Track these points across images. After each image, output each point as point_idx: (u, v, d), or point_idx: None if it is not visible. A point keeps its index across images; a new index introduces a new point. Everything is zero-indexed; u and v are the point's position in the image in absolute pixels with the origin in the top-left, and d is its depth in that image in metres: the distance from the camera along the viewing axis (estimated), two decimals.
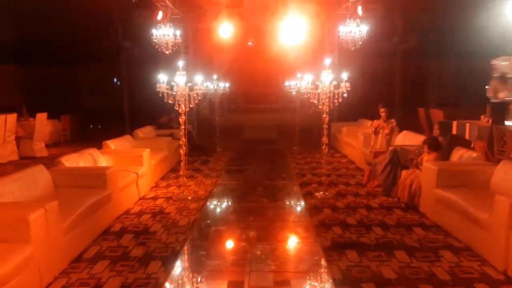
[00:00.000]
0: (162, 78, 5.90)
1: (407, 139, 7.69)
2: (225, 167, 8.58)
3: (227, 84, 11.09)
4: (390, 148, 6.33)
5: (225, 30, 11.90)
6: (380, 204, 5.87)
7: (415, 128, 9.93)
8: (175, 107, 6.16)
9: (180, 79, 5.95)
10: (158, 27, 9.64)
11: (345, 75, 5.91)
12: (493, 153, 7.55)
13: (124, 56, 13.94)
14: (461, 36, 17.13)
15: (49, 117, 12.13)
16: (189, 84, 6.09)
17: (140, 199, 6.27)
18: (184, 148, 6.41)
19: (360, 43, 9.69)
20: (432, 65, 19.54)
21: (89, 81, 17.59)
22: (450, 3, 15.12)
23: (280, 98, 18.43)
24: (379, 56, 14.33)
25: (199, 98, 6.34)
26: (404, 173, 5.87)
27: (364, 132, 8.73)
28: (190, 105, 6.27)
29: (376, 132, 6.83)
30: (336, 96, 5.95)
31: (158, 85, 5.91)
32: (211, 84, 10.81)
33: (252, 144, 11.89)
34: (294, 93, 10.84)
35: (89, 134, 13.69)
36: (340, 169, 8.25)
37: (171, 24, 9.75)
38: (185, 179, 6.43)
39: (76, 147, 8.92)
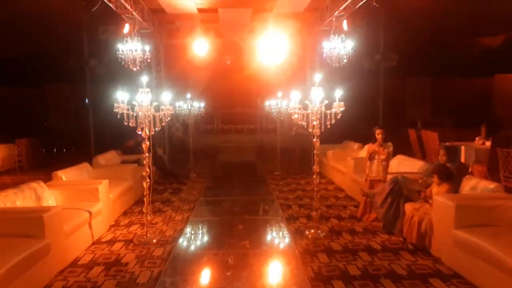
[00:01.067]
0: (121, 96, 4.85)
1: (402, 165, 6.86)
2: (199, 198, 7.46)
3: (202, 104, 10.10)
4: (390, 177, 5.42)
5: (200, 46, 11.00)
6: (383, 244, 4.90)
7: (400, 150, 9.15)
8: (137, 131, 5.09)
9: (142, 97, 4.91)
10: (124, 41, 8.60)
11: (338, 93, 5.01)
12: (496, 179, 6.77)
13: (90, 75, 12.75)
14: (439, 55, 16.93)
15: (3, 141, 10.79)
16: (155, 104, 5.05)
17: (93, 243, 5.09)
18: (148, 180, 5.30)
19: (345, 60, 8.94)
20: (410, 84, 19.30)
21: (56, 102, 16.26)
22: (428, 22, 14.79)
23: (259, 118, 17.55)
24: (361, 74, 13.69)
25: (167, 119, 5.28)
26: (409, 207, 4.95)
27: (354, 157, 7.86)
28: (156, 128, 5.21)
29: (371, 158, 5.94)
30: (328, 117, 5.03)
31: (116, 104, 4.85)
32: (184, 104, 9.78)
33: (230, 169, 10.85)
34: (274, 113, 9.93)
35: (51, 160, 12.31)
36: (329, 199, 7.29)
37: (139, 38, 8.74)
38: (149, 217, 5.28)
39: (34, 174, 7.67)
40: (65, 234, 4.42)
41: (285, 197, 7.45)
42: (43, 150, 14.49)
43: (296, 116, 5.23)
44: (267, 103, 10.35)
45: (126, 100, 4.93)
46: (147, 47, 8.74)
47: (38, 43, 12.93)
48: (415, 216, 4.75)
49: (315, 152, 5.47)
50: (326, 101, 5.07)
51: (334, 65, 9.00)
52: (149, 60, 8.80)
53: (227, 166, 11.56)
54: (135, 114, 4.91)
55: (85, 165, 6.93)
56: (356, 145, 9.58)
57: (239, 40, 11.23)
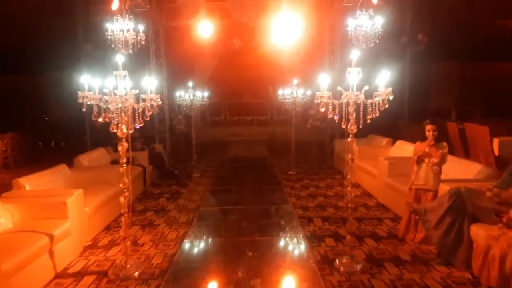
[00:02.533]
0: (85, 81, 3.53)
1: (451, 168, 5.40)
2: (200, 207, 6.15)
3: (206, 94, 8.76)
4: (450, 189, 4.02)
5: (205, 29, 9.61)
6: (444, 283, 3.55)
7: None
8: (110, 129, 3.77)
9: (115, 83, 3.58)
10: (114, 20, 7.26)
11: (383, 76, 3.62)
12: None
13: (85, 61, 11.47)
14: (467, 38, 15.23)
15: None
16: (134, 92, 3.71)
17: (56, 277, 3.82)
18: (127, 194, 3.98)
19: (375, 40, 7.48)
20: (435, 70, 17.59)
21: (51, 91, 15.04)
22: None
23: (270, 109, 16.15)
24: (384, 59, 12.17)
25: (153, 112, 3.93)
26: (481, 233, 3.57)
27: (388, 157, 6.45)
28: (136, 125, 3.88)
29: (419, 161, 4.56)
30: (371, 109, 3.64)
31: (81, 93, 3.54)
32: (185, 94, 8.43)
33: (238, 167, 9.50)
34: (289, 103, 8.53)
35: (42, 156, 11.12)
36: (357, 208, 5.91)
37: (131, 17, 7.38)
38: (128, 243, 3.98)
39: (22, 172, 6.47)
40: (6, 274, 3.15)
41: (303, 205, 6.10)
42: (40, 143, 13.39)
43: (323, 109, 3.83)
44: (280, 92, 8.95)
45: (97, 88, 3.62)
46: (141, 27, 7.38)
47: (27, 28, 11.67)
48: (494, 248, 3.36)
49: (350, 157, 4.07)
50: (366, 87, 3.68)
51: (361, 47, 7.53)
52: (143, 42, 7.43)
53: (235, 163, 10.21)
54: (109, 107, 3.58)
55: (62, 167, 5.66)
56: (384, 141, 8.16)
57: (248, 21, 9.81)
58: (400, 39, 11.58)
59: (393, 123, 11.76)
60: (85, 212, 4.68)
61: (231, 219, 5.45)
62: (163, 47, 10.03)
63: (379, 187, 6.27)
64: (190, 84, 8.41)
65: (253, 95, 15.93)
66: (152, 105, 3.84)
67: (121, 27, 7.26)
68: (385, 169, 5.98)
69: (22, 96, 13.46)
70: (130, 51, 7.34)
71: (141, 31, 7.38)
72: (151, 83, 3.88)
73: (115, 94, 3.56)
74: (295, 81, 8.49)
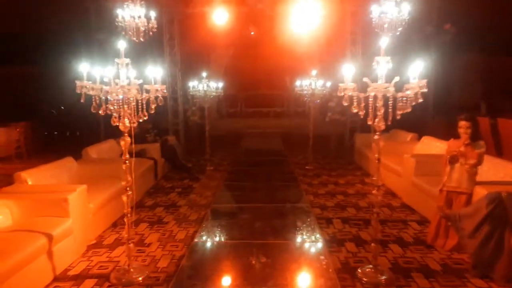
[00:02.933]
0: (83, 69, 3.21)
1: (485, 168, 4.91)
2: (212, 203, 5.82)
3: (220, 85, 8.39)
4: (489, 194, 3.58)
5: (220, 16, 9.23)
6: None
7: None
8: (112, 122, 3.46)
9: (116, 71, 3.25)
10: (124, 6, 6.95)
11: (418, 66, 3.19)
12: None
13: (99, 49, 11.23)
14: (493, 31, 14.40)
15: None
16: (137, 81, 3.37)
17: (55, 279, 3.56)
18: (130, 193, 3.68)
19: (400, 28, 6.97)
20: (458, 63, 16.77)
21: (66, 81, 14.94)
22: None
23: (287, 101, 15.72)
24: (407, 50, 11.54)
25: (159, 103, 3.59)
26: None
27: (414, 154, 5.99)
28: (144, 117, 3.56)
29: (453, 161, 4.11)
30: (402, 102, 3.22)
31: (78, 83, 3.22)
32: (199, 85, 8.08)
33: (253, 161, 9.16)
34: (307, 95, 8.08)
35: (58, 145, 10.99)
36: (381, 209, 5.48)
37: (142, 2, 7.04)
38: (132, 245, 3.68)
39: (35, 162, 6.32)
40: None
41: (322, 204, 5.71)
42: (55, 133, 13.32)
43: (346, 103, 3.42)
44: (298, 83, 8.51)
45: (98, 78, 3.30)
46: (153, 13, 7.05)
47: (38, 16, 11.48)
48: None
49: (376, 157, 3.67)
50: (397, 78, 3.25)
51: (386, 35, 7.03)
52: (155, 30, 7.10)
53: (250, 157, 9.88)
54: (109, 98, 3.25)
55: (68, 160, 5.41)
56: (409, 136, 7.66)
57: (265, 8, 9.35)
58: (425, 28, 10.93)
59: (417, 118, 11.22)
60: (89, 209, 4.41)
61: (243, 218, 5.10)
62: (177, 36, 9.68)
63: (404, 187, 5.82)
64: (204, 74, 8.04)
65: (269, 87, 15.52)
66: (157, 97, 3.49)
67: (132, 14, 6.96)
68: (411, 168, 5.52)
69: (38, 85, 13.37)
70: (142, 39, 7.04)
71: (152, 18, 7.06)
72: (156, 72, 3.52)
73: (116, 84, 3.23)
74: (314, 72, 8.03)
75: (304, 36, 9.59)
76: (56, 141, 12.11)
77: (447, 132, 4.46)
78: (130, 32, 6.96)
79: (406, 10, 6.85)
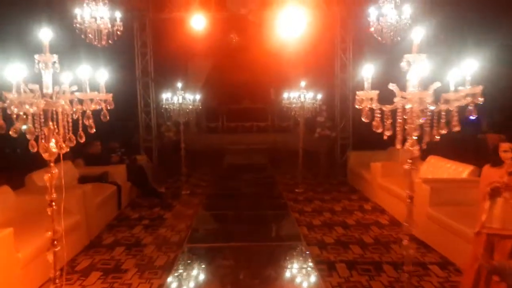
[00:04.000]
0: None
1: None
2: (186, 242, 4.68)
3: (198, 97, 7.36)
4: None
5: (198, 22, 8.27)
6: None
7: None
8: (30, 147, 2.38)
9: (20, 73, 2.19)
10: (84, 5, 5.89)
11: (470, 68, 2.25)
12: None
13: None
14: None
15: None
16: (70, 89, 2.31)
17: None
18: (58, 249, 2.59)
19: (401, 32, 6.13)
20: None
21: None
22: None
23: (270, 115, 14.78)
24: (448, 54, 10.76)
25: (104, 119, 2.53)
26: None
27: (428, 179, 5.05)
28: (80, 139, 2.50)
29: (494, 194, 3.20)
30: (443, 118, 2.27)
31: None
32: (174, 97, 7.03)
33: (236, 182, 8.11)
34: (295, 109, 7.13)
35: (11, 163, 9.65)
36: (389, 245, 4.51)
37: (105, 2, 6.00)
38: None
39: None
40: None
41: (319, 240, 4.69)
42: (18, 150, 11.95)
43: (366, 119, 2.44)
44: (285, 95, 7.57)
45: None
46: (118, 14, 6.01)
47: None
48: None
49: (409, 195, 2.69)
50: (437, 84, 2.30)
51: (384, 41, 6.19)
52: (119, 33, 6.05)
53: (232, 177, 8.83)
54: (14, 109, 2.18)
55: (3, 191, 4.26)
56: (412, 153, 6.76)
57: (247, 14, 8.45)
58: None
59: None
60: (17, 259, 3.27)
61: (224, 266, 3.99)
62: (150, 43, 8.65)
63: (417, 218, 4.85)
64: (179, 85, 7.01)
65: (252, 100, 14.58)
66: (98, 111, 2.44)
67: (93, 14, 5.90)
68: (425, 196, 4.59)
69: None
70: (104, 43, 5.98)
71: (118, 19, 6.01)
72: (99, 75, 2.48)
73: (31, 91, 2.17)
74: (302, 83, 7.11)
75: (290, 45, 8.70)
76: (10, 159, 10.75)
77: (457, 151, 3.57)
78: (90, 35, 5.90)
79: (407, 12, 6.04)
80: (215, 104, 14.35)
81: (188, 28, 8.38)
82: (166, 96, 6.99)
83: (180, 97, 7.01)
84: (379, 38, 6.19)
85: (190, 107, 7.23)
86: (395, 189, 5.53)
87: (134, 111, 8.65)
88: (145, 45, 8.60)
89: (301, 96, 7.10)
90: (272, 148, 11.97)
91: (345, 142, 8.75)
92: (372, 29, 6.16)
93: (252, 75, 12.01)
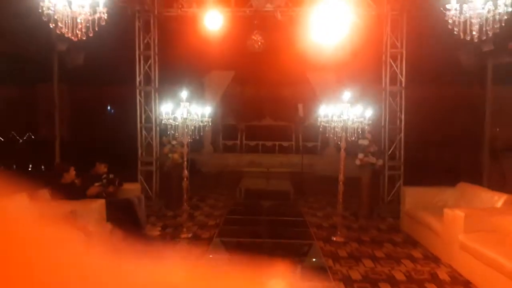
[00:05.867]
0: None
1: None
2: None
3: (208, 111, 5.61)
4: None
5: (214, 21, 6.67)
6: None
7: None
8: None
9: None
10: None
11: None
12: None
13: (59, 65, 8.58)
14: None
15: None
16: None
17: None
18: None
19: (497, 26, 4.26)
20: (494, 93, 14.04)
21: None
22: None
23: (295, 133, 12.96)
24: (458, 73, 8.78)
25: None
26: None
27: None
28: None
29: None
30: None
31: None
32: (177, 111, 5.30)
33: (253, 222, 6.27)
34: (337, 128, 5.28)
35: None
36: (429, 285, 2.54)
37: None
38: None
39: None
40: None
41: None
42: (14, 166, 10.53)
43: None
44: (320, 111, 5.73)
45: None
46: (101, 1, 4.36)
47: None
48: None
49: None
50: None
51: (469, 37, 4.31)
52: (103, 23, 4.40)
53: (248, 213, 6.99)
54: None
55: None
56: (502, 198, 4.76)
57: (274, 11, 6.75)
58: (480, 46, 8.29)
59: (470, 163, 8.42)
60: None
61: None
62: (155, 45, 7.02)
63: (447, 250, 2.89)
64: (184, 95, 5.29)
65: (275, 116, 12.84)
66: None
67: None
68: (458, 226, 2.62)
69: None
70: (79, 36, 4.34)
71: (101, 6, 4.37)
72: None
73: None
74: (346, 96, 5.26)
75: (326, 51, 6.93)
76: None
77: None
78: (60, 24, 4.28)
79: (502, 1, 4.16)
80: (233, 120, 12.70)
81: (202, 28, 6.77)
82: (165, 109, 5.28)
83: (184, 111, 5.28)
84: (461, 34, 4.33)
85: (199, 123, 5.49)
86: (494, 257, 3.58)
87: (132, 126, 6.99)
88: (148, 47, 6.98)
89: (343, 112, 5.25)
90: (298, 173, 10.10)
91: (395, 173, 6.82)
92: (450, 21, 4.32)
93: (277, 87, 10.30)
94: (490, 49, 7.89)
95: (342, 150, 5.49)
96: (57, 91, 8.38)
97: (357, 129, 5.24)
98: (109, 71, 8.69)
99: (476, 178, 7.13)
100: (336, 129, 5.26)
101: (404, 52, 6.66)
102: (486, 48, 7.91)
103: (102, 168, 5.54)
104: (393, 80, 6.77)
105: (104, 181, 5.44)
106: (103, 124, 11.11)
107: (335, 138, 5.46)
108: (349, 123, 5.21)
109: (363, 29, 6.64)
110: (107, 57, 8.50)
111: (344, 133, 5.30)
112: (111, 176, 5.59)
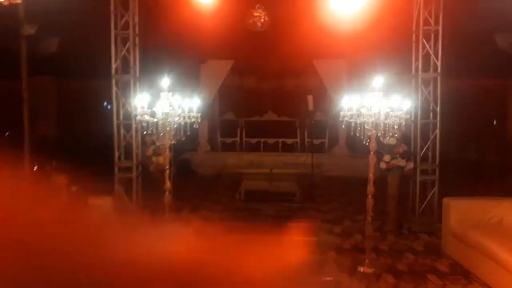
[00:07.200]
0: None
1: None
2: None
3: (197, 105, 4.30)
4: None
5: None
6: None
7: None
8: None
9: None
10: None
11: None
12: None
13: (27, 53, 7.23)
14: None
15: None
16: None
17: None
18: None
19: None
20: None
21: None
22: None
23: (300, 129, 11.64)
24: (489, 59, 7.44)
25: None
26: None
27: None
28: None
29: None
30: None
31: None
32: (156, 104, 4.01)
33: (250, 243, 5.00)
34: (366, 125, 4.00)
35: None
36: None
37: None
38: None
39: None
40: None
41: None
42: None
43: None
44: (344, 104, 4.40)
45: None
46: None
47: None
48: None
49: None
50: None
51: None
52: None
53: (247, 225, 5.69)
54: None
55: None
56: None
57: None
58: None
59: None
60: None
61: None
62: (135, 24, 5.67)
63: None
64: (166, 83, 3.98)
65: (279, 111, 11.57)
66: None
67: None
68: None
69: None
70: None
71: None
72: None
73: None
74: (377, 83, 3.94)
75: (341, 27, 5.62)
76: None
77: None
78: None
79: None
80: (232, 114, 11.43)
81: (192, 2, 5.48)
82: (140, 102, 3.97)
83: (166, 104, 3.98)
84: None
85: (186, 119, 4.18)
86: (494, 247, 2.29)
87: (106, 123, 5.71)
88: (126, 27, 5.64)
89: (373, 105, 3.94)
90: (305, 175, 8.81)
91: (427, 179, 5.52)
92: None
93: (280, 78, 9.00)
94: None
95: (372, 153, 4.18)
96: (26, 82, 7.08)
97: (393, 125, 3.94)
98: (87, 59, 7.38)
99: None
100: (366, 126, 3.95)
101: (440, 30, 5.33)
102: None
103: (60, 180, 4.27)
104: (426, 64, 5.46)
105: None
106: (82, 121, 9.85)
107: (362, 137, 4.15)
108: (383, 118, 3.90)
109: (389, 2, 5.34)
110: (84, 42, 7.22)
111: (374, 131, 4.00)
112: (73, 189, 4.33)
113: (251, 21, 5.57)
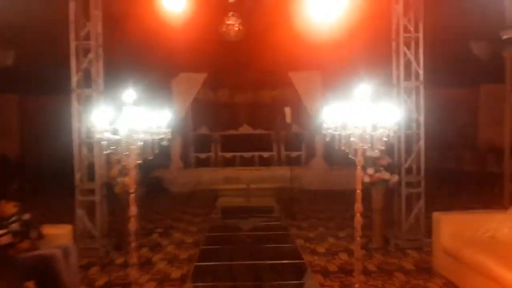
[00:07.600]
0: None
1: None
2: None
3: (167, 120, 3.87)
4: None
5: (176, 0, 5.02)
6: None
7: None
8: None
9: None
10: None
11: None
12: None
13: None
14: None
15: None
16: None
17: None
18: None
19: None
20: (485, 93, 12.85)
21: None
22: None
23: (277, 142, 11.30)
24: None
25: None
26: None
27: None
28: None
29: None
30: None
31: None
32: (117, 120, 3.53)
33: (234, 273, 4.51)
34: (349, 138, 3.68)
35: None
36: None
37: None
38: None
39: None
40: None
41: None
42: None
43: None
44: (325, 116, 4.07)
45: None
46: None
47: None
48: None
49: None
50: None
51: None
52: None
53: (225, 258, 5.14)
54: None
55: None
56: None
57: None
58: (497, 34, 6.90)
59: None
60: None
61: None
62: (97, 34, 5.18)
63: None
64: (128, 97, 3.52)
65: (254, 123, 11.23)
66: None
67: None
68: None
69: None
70: None
71: None
72: None
73: None
74: (365, 92, 3.63)
75: (320, 34, 5.35)
76: None
77: None
78: None
79: None
80: (206, 129, 11.02)
81: (160, 9, 5.09)
82: (101, 117, 3.48)
83: (129, 120, 3.51)
84: None
85: (154, 136, 3.71)
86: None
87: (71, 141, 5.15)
88: (88, 37, 5.14)
89: (360, 116, 3.62)
90: (283, 189, 8.45)
91: (414, 192, 5.25)
92: None
93: (255, 90, 8.66)
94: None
95: (359, 168, 3.84)
96: None
97: (381, 137, 3.63)
98: (45, 72, 6.79)
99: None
100: (352, 139, 3.62)
101: (421, 36, 5.14)
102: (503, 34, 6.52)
103: (9, 208, 3.70)
104: (407, 72, 5.25)
105: (14, 227, 3.60)
106: (45, 139, 9.15)
107: (346, 151, 3.82)
108: (369, 130, 3.58)
109: (367, 9, 5.13)
110: (42, 55, 6.64)
111: (361, 144, 3.67)
112: (26, 217, 3.76)
113: (224, 29, 5.19)
